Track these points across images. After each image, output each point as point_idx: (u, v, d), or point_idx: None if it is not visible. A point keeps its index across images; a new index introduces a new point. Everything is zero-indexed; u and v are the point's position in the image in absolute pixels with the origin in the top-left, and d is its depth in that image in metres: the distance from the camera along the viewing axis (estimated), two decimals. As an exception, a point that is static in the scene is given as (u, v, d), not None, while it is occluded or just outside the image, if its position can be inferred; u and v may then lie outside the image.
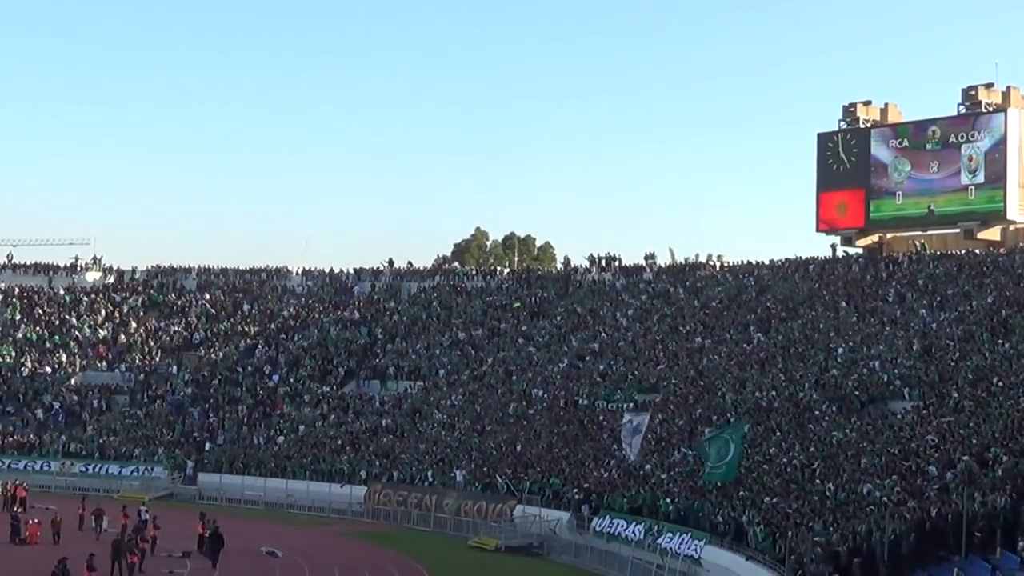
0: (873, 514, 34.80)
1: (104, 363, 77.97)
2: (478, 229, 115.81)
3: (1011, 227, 60.65)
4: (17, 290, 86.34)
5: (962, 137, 61.20)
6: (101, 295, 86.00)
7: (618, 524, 44.68)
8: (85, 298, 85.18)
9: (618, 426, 50.26)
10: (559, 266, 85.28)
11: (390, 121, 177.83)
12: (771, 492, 40.51)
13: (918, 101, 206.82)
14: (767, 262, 69.36)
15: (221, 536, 41.80)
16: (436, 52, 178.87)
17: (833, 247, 66.67)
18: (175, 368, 75.73)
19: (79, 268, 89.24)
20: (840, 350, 53.33)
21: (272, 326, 79.70)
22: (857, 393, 48.15)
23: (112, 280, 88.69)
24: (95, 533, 46.04)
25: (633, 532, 43.62)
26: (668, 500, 43.61)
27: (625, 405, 56.45)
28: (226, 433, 67.63)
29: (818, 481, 40.04)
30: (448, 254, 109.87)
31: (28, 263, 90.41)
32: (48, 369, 77.03)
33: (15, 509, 50.44)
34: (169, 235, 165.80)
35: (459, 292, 79.42)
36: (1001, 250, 59.43)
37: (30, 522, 47.23)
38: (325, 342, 75.79)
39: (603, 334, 66.58)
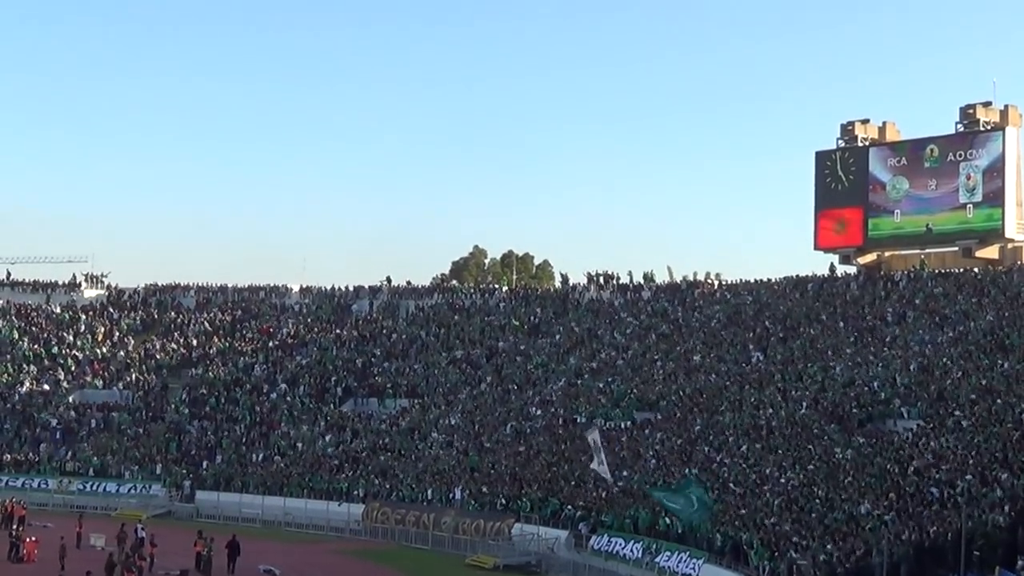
0: (872, 533, 34.78)
1: (102, 381, 77.87)
2: (476, 247, 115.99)
3: (1009, 245, 60.69)
4: (15, 308, 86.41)
5: (960, 155, 61.26)
6: (99, 313, 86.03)
7: (616, 542, 44.62)
8: (83, 316, 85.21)
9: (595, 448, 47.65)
10: (557, 284, 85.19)
11: (388, 139, 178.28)
12: (770, 511, 40.47)
13: (916, 120, 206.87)
14: (765, 280, 69.41)
15: (238, 544, 44.70)
16: (435, 70, 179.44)
17: (832, 266, 66.79)
18: (175, 385, 75.69)
19: (77, 286, 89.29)
20: (839, 369, 53.35)
21: (271, 344, 79.69)
22: (856, 412, 48.15)
23: (111, 298, 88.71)
24: (118, 554, 44.95)
25: (632, 550, 43.55)
26: (667, 518, 43.53)
27: (624, 423, 56.55)
28: (224, 451, 67.52)
29: (817, 500, 40.00)
30: (446, 272, 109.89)
31: (26, 280, 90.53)
32: (46, 387, 76.92)
33: (14, 527, 50.26)
34: (167, 253, 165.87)
35: (457, 310, 79.42)
36: (999, 268, 59.53)
37: (27, 540, 47.13)
38: (323, 360, 75.76)
39: (601, 352, 66.55)
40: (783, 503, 40.87)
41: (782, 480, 43.41)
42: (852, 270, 65.81)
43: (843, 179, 64.96)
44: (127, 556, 41.85)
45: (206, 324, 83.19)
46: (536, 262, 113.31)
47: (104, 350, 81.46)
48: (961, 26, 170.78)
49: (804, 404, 50.47)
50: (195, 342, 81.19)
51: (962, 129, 61.47)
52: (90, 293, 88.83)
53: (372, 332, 78.70)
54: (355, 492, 58.82)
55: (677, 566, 40.51)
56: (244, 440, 68.56)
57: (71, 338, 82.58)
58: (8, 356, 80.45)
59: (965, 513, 32.35)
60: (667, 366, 61.65)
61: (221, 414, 71.80)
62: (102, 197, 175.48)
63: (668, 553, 41.46)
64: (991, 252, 60.87)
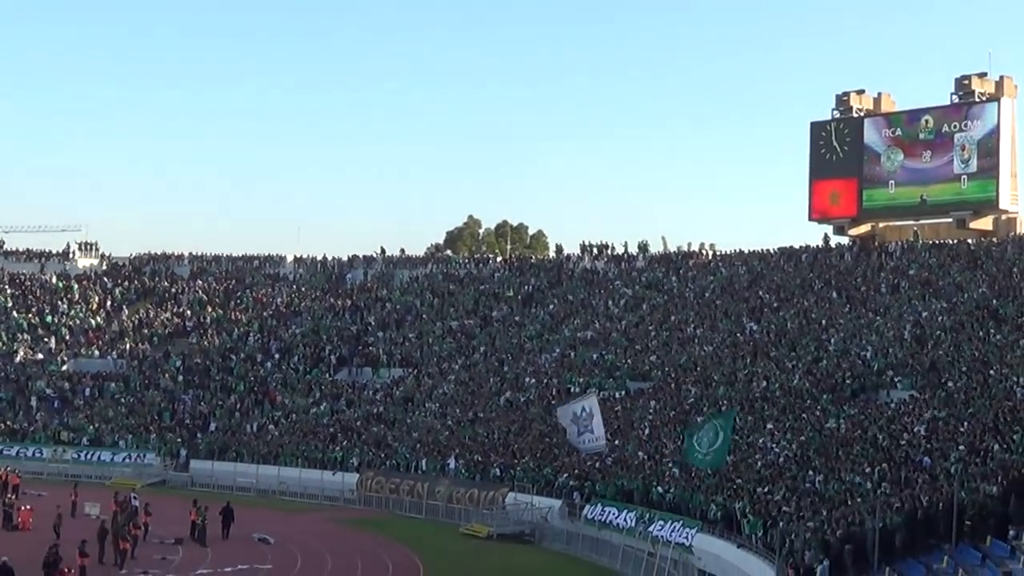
0: (865, 503, 34.90)
1: (96, 350, 77.84)
2: (471, 217, 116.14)
3: (1003, 216, 60.71)
4: (8, 277, 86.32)
5: (955, 126, 61.21)
6: (93, 282, 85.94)
7: (610, 512, 44.75)
8: (77, 285, 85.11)
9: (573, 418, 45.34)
10: (552, 254, 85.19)
11: (383, 109, 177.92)
12: (763, 481, 40.60)
13: (911, 90, 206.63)
14: (760, 251, 69.47)
15: (232, 511, 45.84)
16: (428, 40, 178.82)
17: (826, 236, 66.87)
18: (167, 355, 75.70)
19: (71, 255, 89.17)
20: (832, 339, 53.46)
21: (265, 313, 79.66)
22: (849, 382, 48.28)
23: (105, 267, 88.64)
24: (114, 522, 44.32)
25: (625, 520, 43.69)
26: (660, 488, 43.69)
27: (618, 393, 56.65)
28: (218, 420, 67.58)
29: (810, 470, 40.13)
30: (441, 242, 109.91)
31: (20, 250, 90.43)
32: (40, 356, 76.90)
33: (8, 496, 50.36)
34: (162, 222, 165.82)
35: (451, 280, 79.42)
36: (993, 239, 59.56)
37: (22, 509, 47.25)
38: (318, 330, 75.78)
39: (595, 322, 66.61)
40: (776, 473, 41.01)
41: (775, 450, 43.55)
42: (846, 241, 65.87)
43: (838, 150, 64.90)
44: (121, 524, 41.88)
45: (200, 293, 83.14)
46: (530, 232, 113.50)
47: (98, 319, 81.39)
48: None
49: (797, 374, 50.59)
50: (189, 312, 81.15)
51: (957, 100, 61.40)
52: (84, 262, 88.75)
53: (366, 302, 78.72)
54: (349, 461, 58.93)
55: (670, 535, 40.62)
56: (239, 409, 68.63)
57: (65, 307, 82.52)
58: (2, 325, 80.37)
59: (957, 483, 32.47)
60: (661, 336, 61.73)
61: (215, 383, 71.81)
62: (97, 167, 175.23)
63: (661, 522, 41.58)
64: (985, 223, 60.91)
